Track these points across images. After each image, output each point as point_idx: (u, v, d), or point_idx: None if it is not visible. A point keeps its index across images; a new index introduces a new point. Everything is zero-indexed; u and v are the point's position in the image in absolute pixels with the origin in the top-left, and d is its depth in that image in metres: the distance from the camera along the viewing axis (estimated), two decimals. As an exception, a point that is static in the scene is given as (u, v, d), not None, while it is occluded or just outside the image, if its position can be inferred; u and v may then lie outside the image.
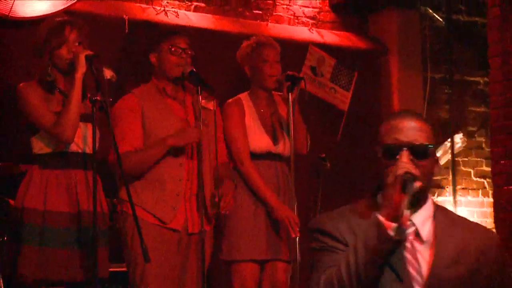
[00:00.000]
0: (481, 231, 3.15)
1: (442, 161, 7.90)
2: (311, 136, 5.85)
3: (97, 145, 4.76)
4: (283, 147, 5.61)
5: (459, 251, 3.00)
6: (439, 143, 7.87)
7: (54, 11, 5.91)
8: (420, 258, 2.96)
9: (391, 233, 2.78)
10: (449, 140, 7.94)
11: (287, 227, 5.47)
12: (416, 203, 2.91)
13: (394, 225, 2.78)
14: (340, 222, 3.03)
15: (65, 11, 5.79)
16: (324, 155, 5.87)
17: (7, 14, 5.86)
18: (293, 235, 5.46)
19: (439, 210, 3.09)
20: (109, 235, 5.01)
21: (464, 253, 3.00)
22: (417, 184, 2.82)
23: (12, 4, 5.87)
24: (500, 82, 6.67)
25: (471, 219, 3.26)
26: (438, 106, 7.92)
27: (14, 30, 5.95)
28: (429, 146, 2.99)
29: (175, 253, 5.18)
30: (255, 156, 5.55)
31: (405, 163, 2.88)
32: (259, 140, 5.58)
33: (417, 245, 2.96)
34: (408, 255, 2.95)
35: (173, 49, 5.21)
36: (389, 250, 2.83)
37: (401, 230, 2.79)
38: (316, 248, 3.05)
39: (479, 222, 3.33)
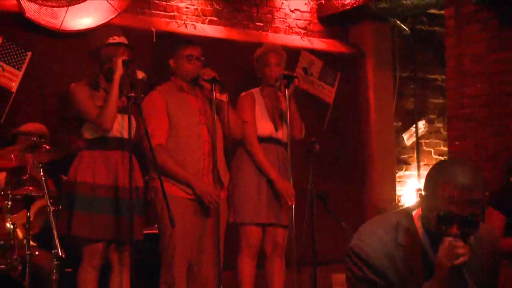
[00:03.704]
0: (492, 234, 2.92)
1: (408, 143, 7.90)
2: (305, 124, 5.84)
3: (132, 132, 4.80)
4: (282, 134, 5.60)
5: (485, 260, 2.82)
6: (406, 128, 7.88)
7: (96, 25, 5.91)
8: None
9: None
10: (414, 126, 7.93)
11: (284, 197, 5.49)
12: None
13: None
14: (383, 252, 2.71)
15: (118, 27, 5.74)
16: (314, 139, 5.86)
17: (58, 27, 5.85)
18: (290, 203, 5.48)
19: None
20: (143, 205, 5.02)
21: (487, 261, 2.83)
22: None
23: (63, 19, 5.86)
24: (455, 79, 6.67)
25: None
26: (405, 99, 7.91)
27: (64, 40, 5.93)
28: (480, 216, 2.61)
29: (196, 219, 5.20)
30: (260, 139, 5.55)
31: (460, 246, 2.55)
32: (265, 126, 5.58)
33: None
34: None
35: (189, 59, 5.22)
36: None
37: None
38: (358, 276, 2.75)
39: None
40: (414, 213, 2.78)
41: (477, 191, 2.60)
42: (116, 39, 4.95)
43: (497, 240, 2.94)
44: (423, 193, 2.73)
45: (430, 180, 2.70)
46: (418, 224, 2.74)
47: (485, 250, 2.84)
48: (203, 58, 5.29)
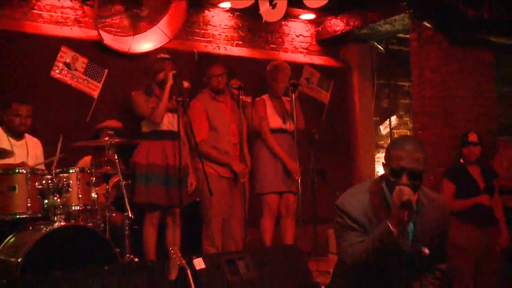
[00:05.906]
0: (443, 202, 2.96)
1: (384, 132, 7.88)
2: (307, 119, 5.85)
3: (180, 127, 4.83)
4: (289, 126, 5.60)
5: (436, 220, 2.85)
6: (383, 124, 7.88)
7: (153, 49, 5.91)
8: (413, 223, 2.80)
9: (399, 239, 2.63)
10: (388, 120, 7.90)
11: (292, 173, 5.52)
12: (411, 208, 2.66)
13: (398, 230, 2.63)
14: (360, 209, 2.77)
15: (165, 49, 5.77)
16: (314, 130, 5.89)
17: (127, 51, 5.90)
18: (297, 178, 5.50)
19: (421, 192, 2.86)
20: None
21: (438, 221, 2.86)
22: (413, 204, 2.65)
23: (130, 45, 5.92)
24: (418, 85, 6.61)
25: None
26: (381, 100, 7.80)
27: (131, 60, 5.93)
28: (423, 171, 2.70)
29: (227, 190, 5.24)
30: (273, 131, 5.56)
31: (406, 189, 2.63)
32: (275, 120, 5.59)
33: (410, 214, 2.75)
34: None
35: (214, 78, 5.26)
36: (394, 248, 2.68)
37: (404, 237, 2.69)
38: (342, 224, 2.82)
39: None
40: (381, 180, 2.86)
41: (419, 153, 2.70)
42: (161, 55, 5.06)
43: (448, 209, 2.97)
44: (384, 162, 2.83)
45: (387, 151, 2.81)
46: (384, 187, 2.81)
47: (437, 214, 2.87)
48: (225, 75, 5.29)
